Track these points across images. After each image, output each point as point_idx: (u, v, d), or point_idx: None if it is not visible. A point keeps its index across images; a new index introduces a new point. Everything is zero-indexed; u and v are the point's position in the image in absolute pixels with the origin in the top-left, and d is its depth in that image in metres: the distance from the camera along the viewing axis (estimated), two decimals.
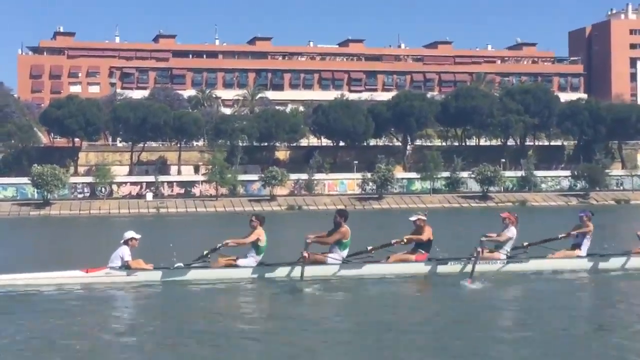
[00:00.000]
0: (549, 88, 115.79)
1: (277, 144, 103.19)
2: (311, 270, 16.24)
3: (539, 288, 16.10)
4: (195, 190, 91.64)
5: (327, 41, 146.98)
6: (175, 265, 16.42)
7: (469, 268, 16.78)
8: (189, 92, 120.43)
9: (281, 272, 16.53)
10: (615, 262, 17.88)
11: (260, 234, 16.56)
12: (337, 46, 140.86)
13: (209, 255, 16.64)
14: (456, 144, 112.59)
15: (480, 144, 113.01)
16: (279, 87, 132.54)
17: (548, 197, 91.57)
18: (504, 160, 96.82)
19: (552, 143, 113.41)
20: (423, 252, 17.21)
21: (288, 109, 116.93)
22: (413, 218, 17.43)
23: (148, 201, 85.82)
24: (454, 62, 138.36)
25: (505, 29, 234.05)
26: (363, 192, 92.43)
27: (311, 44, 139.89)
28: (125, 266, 16.13)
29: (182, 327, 12.13)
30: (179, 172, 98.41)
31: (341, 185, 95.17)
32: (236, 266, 16.44)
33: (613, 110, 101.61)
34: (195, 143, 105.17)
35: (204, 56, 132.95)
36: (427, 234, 17.19)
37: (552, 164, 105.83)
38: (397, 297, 15.10)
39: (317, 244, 16.94)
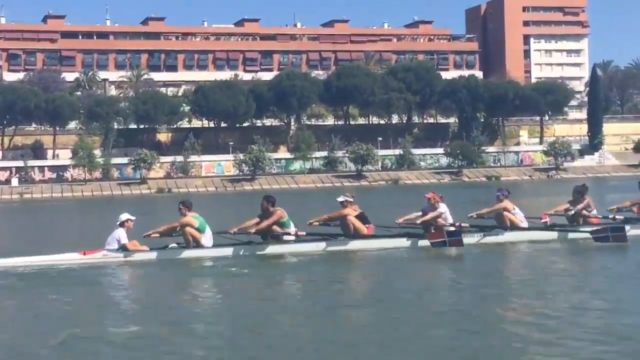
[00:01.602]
0: (431, 65, 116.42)
1: (158, 126, 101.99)
2: (276, 248, 17.05)
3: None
4: (68, 175, 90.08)
5: (222, 21, 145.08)
6: (170, 246, 17.02)
7: (422, 243, 17.46)
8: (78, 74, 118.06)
9: (274, 249, 17.10)
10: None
11: (188, 220, 16.90)
12: (233, 26, 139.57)
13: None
14: (352, 122, 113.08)
15: (372, 122, 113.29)
16: (172, 68, 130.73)
17: (422, 174, 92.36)
18: (381, 138, 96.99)
19: (439, 121, 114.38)
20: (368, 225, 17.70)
21: (181, 91, 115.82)
22: (340, 199, 17.72)
23: (12, 187, 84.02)
24: (349, 40, 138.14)
25: (403, 7, 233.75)
26: (241, 173, 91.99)
27: (205, 23, 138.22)
28: (122, 248, 16.65)
29: (184, 301, 12.69)
30: (55, 157, 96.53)
31: (218, 167, 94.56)
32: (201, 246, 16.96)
33: (490, 87, 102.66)
34: (79, 126, 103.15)
35: (94, 37, 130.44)
36: (349, 211, 17.52)
37: (437, 142, 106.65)
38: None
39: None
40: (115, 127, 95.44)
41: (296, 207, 27.47)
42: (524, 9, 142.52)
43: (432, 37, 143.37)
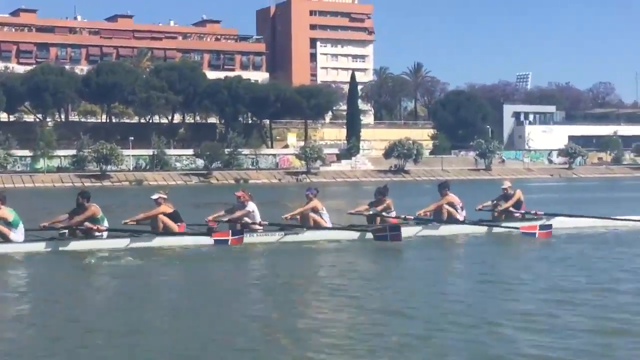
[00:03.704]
0: (197, 65, 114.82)
1: None
2: (80, 245, 17.15)
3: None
4: None
5: None
6: None
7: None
8: None
9: (81, 245, 17.21)
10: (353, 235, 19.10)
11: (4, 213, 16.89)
12: (8, 15, 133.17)
13: None
14: (127, 120, 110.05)
15: (142, 121, 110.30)
16: None
17: (170, 176, 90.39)
18: (132, 138, 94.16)
19: (209, 121, 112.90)
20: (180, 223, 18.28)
21: None
22: (154, 197, 18.22)
23: None
24: (133, 36, 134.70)
25: (192, 5, 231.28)
26: None
27: None
28: None
29: None
30: None
31: None
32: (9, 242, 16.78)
33: (252, 89, 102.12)
34: None
35: None
36: (164, 209, 18.07)
37: (202, 142, 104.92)
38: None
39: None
40: None
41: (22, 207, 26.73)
42: (311, 12, 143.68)
43: (219, 36, 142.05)
